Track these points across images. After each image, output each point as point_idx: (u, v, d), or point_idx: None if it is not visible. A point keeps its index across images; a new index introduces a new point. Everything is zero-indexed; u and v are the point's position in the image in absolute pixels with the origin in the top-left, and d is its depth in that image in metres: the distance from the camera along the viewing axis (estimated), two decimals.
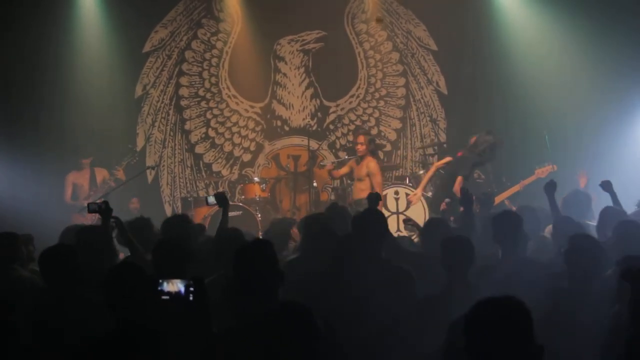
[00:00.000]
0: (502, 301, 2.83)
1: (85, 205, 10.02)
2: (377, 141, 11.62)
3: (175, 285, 3.71)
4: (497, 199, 10.58)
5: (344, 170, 11.34)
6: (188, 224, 6.69)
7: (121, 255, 7.49)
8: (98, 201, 6.64)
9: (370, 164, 10.73)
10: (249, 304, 4.03)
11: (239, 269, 4.13)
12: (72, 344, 4.44)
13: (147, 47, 12.88)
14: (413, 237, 8.22)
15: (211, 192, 12.72)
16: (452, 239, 5.27)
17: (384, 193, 11.05)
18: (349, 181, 12.01)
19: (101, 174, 11.52)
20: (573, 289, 4.80)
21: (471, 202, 6.67)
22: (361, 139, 10.81)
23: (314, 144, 12.55)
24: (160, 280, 3.72)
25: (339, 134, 13.29)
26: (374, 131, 12.97)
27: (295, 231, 7.31)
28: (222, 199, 6.90)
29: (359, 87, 13.38)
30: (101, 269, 5.55)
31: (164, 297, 3.70)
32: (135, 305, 3.95)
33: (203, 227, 7.47)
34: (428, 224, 6.66)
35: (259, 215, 11.21)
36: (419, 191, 10.50)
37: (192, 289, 3.69)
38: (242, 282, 4.08)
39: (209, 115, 13.12)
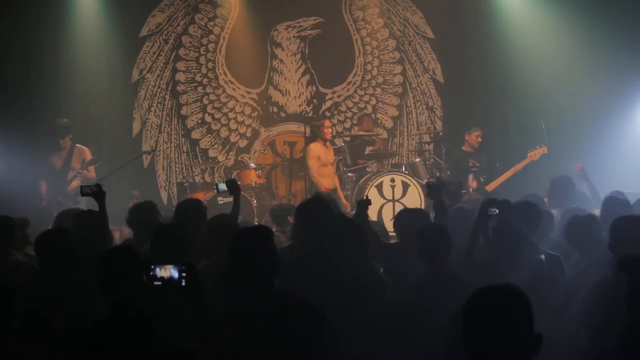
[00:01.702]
0: (501, 289, 2.82)
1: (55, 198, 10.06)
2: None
3: (168, 271, 3.69)
4: (493, 185, 10.69)
5: (313, 165, 11.01)
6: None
7: (116, 235, 7.51)
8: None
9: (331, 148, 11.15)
10: (245, 292, 4.02)
11: (236, 256, 4.11)
12: (67, 328, 4.45)
13: (144, 32, 12.82)
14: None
15: (207, 177, 12.76)
16: (430, 227, 5.28)
17: (381, 180, 11.07)
18: (344, 168, 12.00)
19: (81, 154, 10.57)
20: None
21: (440, 193, 6.59)
22: (328, 123, 10.91)
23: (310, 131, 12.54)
24: (153, 266, 3.71)
25: (335, 120, 13.28)
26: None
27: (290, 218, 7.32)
28: (233, 186, 6.71)
29: (355, 74, 13.37)
30: (96, 253, 5.57)
31: (157, 283, 3.69)
32: (129, 289, 3.94)
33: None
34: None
35: (255, 201, 11.21)
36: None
37: (184, 274, 3.68)
38: (240, 270, 4.06)
39: (205, 101, 13.09)
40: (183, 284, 3.67)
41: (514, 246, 5.09)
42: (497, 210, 5.52)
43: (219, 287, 4.38)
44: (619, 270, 3.82)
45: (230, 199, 10.47)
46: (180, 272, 3.68)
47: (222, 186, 6.83)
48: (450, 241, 5.00)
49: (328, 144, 11.23)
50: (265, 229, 4.31)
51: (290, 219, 7.31)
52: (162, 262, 3.76)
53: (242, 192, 10.87)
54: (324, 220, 5.47)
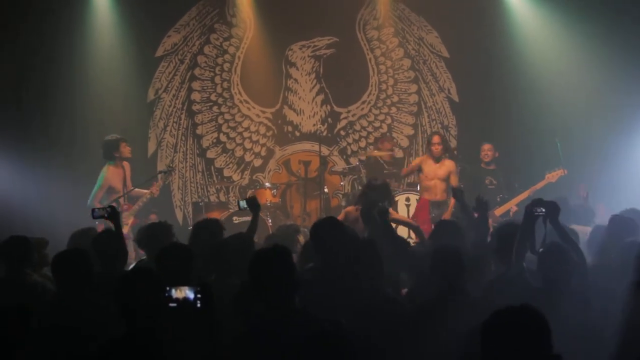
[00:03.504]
0: (520, 310, 2.81)
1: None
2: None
3: (184, 292, 3.69)
4: (508, 205, 10.61)
5: (413, 163, 11.38)
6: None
7: (132, 255, 7.51)
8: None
9: (450, 163, 11.03)
10: (265, 309, 4.03)
11: (256, 274, 4.11)
12: (82, 349, 4.45)
13: (159, 52, 12.91)
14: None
15: (222, 197, 12.78)
16: (442, 248, 5.25)
17: (396, 199, 11.04)
18: (359, 187, 12.00)
19: (128, 168, 10.50)
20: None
21: (486, 208, 6.75)
22: (437, 139, 10.90)
23: (324, 150, 12.54)
24: (168, 288, 3.71)
25: (350, 140, 13.29)
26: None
27: (301, 238, 7.35)
28: (253, 204, 6.88)
29: (370, 94, 13.38)
30: (113, 273, 5.58)
31: (172, 305, 3.68)
32: (146, 311, 3.94)
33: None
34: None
35: (270, 221, 11.20)
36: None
37: (200, 295, 3.68)
38: (260, 288, 4.06)
39: (220, 120, 13.14)
40: (198, 305, 3.66)
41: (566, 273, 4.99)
42: (543, 210, 5.36)
43: (235, 305, 4.39)
44: (636, 288, 3.79)
45: (246, 218, 10.79)
46: (195, 293, 3.67)
47: (243, 204, 6.96)
48: (462, 262, 4.96)
49: (444, 159, 11.05)
50: (284, 248, 4.32)
51: (301, 239, 7.37)
52: (177, 284, 3.76)
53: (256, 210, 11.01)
54: (336, 240, 5.49)
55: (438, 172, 10.88)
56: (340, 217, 8.48)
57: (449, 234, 6.21)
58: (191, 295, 3.67)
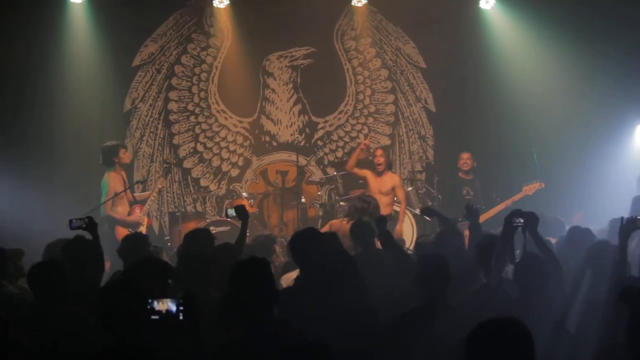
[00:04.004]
0: (503, 322, 2.83)
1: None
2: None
3: (166, 304, 3.67)
4: (485, 216, 10.64)
5: (358, 172, 11.29)
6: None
7: (107, 265, 7.46)
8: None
9: (395, 177, 11.12)
10: (244, 320, 4.01)
11: (235, 285, 4.10)
12: None
13: (136, 61, 12.82)
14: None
15: (199, 207, 12.72)
16: (428, 257, 5.25)
17: None
18: (336, 197, 12.01)
19: (124, 173, 10.55)
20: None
21: (477, 215, 6.80)
22: (379, 152, 10.98)
23: (302, 160, 12.53)
24: (150, 300, 3.68)
25: (327, 150, 13.29)
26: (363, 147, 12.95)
27: (277, 248, 7.35)
28: (242, 212, 6.83)
29: (347, 104, 13.39)
30: (89, 282, 5.55)
31: (154, 317, 3.65)
32: (129, 323, 3.91)
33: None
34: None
35: (247, 231, 11.13)
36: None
37: (182, 307, 3.65)
38: (239, 300, 4.06)
39: (197, 130, 13.08)
40: (181, 317, 3.64)
41: (542, 280, 5.02)
42: (522, 221, 5.43)
43: (218, 316, 4.38)
44: (619, 300, 3.81)
45: (223, 228, 10.76)
46: (177, 306, 3.64)
47: (232, 212, 6.92)
48: (448, 272, 4.97)
49: (389, 173, 11.18)
50: (263, 260, 4.32)
51: (277, 249, 7.38)
52: (152, 296, 3.73)
53: (234, 222, 10.98)
54: (315, 251, 5.48)
55: (382, 187, 10.90)
56: (324, 229, 8.52)
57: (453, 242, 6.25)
58: (173, 308, 3.64)
